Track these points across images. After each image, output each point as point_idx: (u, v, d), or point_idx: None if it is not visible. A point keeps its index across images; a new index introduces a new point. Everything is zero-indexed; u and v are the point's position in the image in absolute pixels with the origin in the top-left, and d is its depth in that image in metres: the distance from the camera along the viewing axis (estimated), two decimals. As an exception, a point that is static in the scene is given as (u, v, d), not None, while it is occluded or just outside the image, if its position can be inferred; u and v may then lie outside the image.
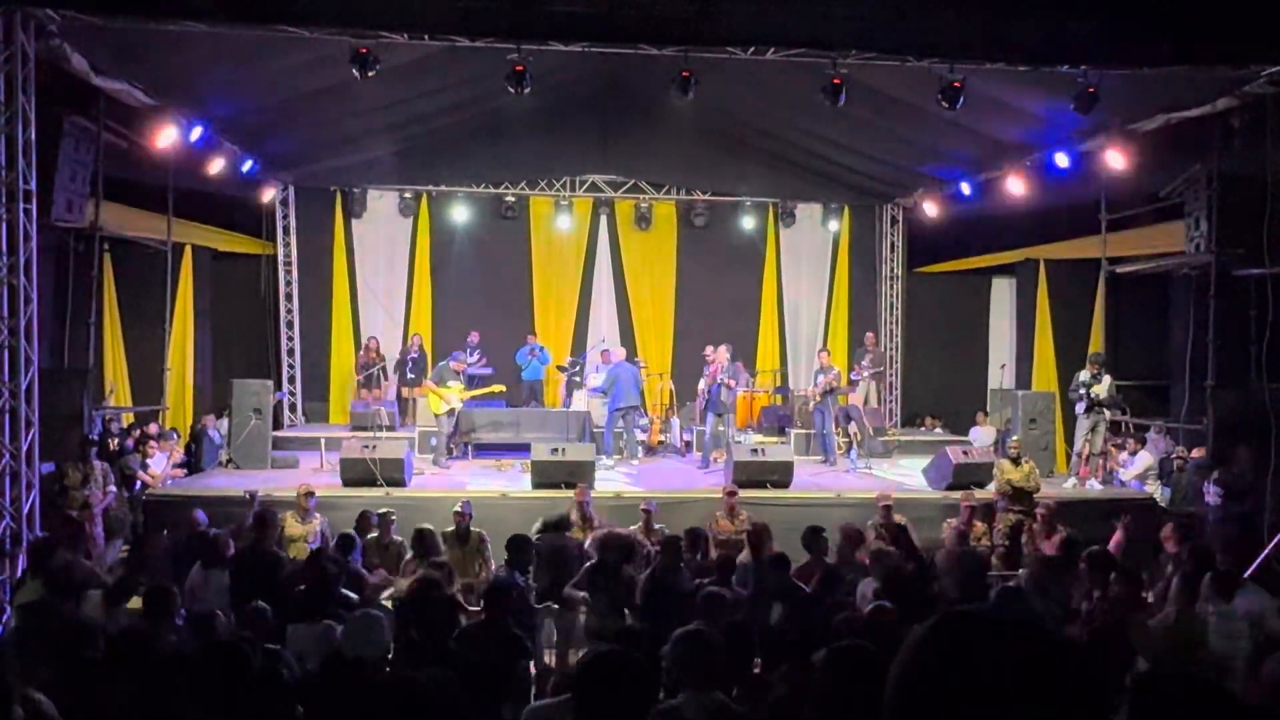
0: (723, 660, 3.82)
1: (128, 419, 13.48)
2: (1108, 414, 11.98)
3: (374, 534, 8.57)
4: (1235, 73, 8.93)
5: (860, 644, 3.13)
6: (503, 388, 13.84)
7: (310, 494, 9.25)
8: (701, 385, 13.51)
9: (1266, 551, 9.07)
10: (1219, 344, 11.16)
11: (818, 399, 12.99)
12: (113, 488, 10.12)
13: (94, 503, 9.70)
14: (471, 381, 13.54)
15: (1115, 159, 11.08)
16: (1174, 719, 1.35)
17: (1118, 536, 8.49)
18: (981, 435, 14.73)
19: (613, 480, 11.75)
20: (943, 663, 1.15)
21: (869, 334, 16.16)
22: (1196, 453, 11.37)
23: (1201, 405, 11.24)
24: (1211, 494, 10.23)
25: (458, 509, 8.77)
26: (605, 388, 13.47)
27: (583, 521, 9.08)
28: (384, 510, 8.86)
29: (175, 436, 13.08)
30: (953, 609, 1.22)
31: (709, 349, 13.50)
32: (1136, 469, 12.47)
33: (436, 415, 12.52)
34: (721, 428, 13.07)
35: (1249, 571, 8.67)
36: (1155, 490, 11.96)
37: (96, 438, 10.58)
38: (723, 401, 12.79)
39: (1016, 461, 10.42)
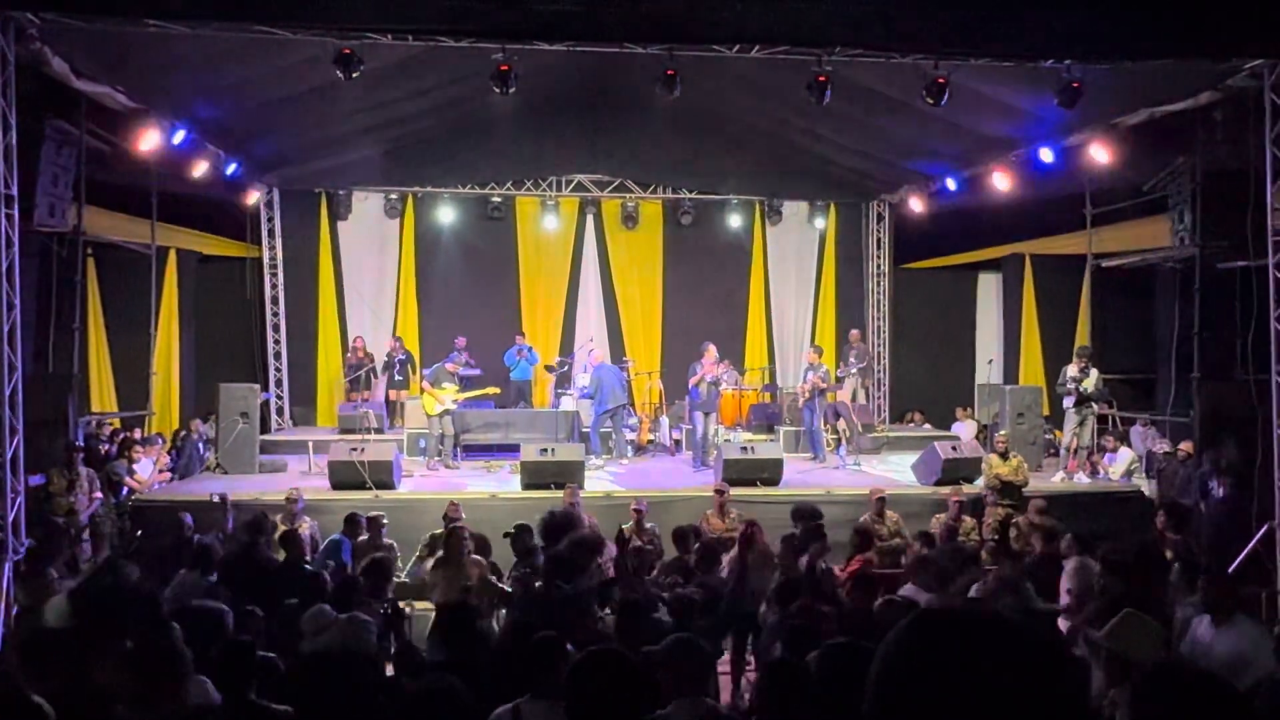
0: (713, 666, 3.80)
1: (114, 424, 13.40)
2: (1095, 407, 12.03)
3: (364, 537, 8.52)
4: (1217, 66, 8.98)
5: (854, 642, 3.12)
6: (497, 390, 13.80)
7: (296, 499, 9.20)
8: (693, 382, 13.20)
9: (1251, 545, 9.10)
10: (1204, 336, 11.23)
11: (806, 396, 12.98)
12: (99, 494, 10.05)
13: (80, 509, 9.63)
14: (464, 383, 13.51)
15: (1099, 153, 11.13)
16: (1177, 712, 1.34)
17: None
18: (963, 430, 14.76)
19: (602, 480, 11.74)
20: (921, 660, 1.14)
21: (854, 331, 16.19)
22: (1184, 446, 11.42)
23: (1188, 398, 11.30)
24: (1219, 486, 10.18)
25: (448, 512, 8.75)
26: (591, 391, 13.45)
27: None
28: (374, 514, 8.80)
29: (161, 441, 13.00)
30: (931, 607, 1.21)
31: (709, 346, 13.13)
32: (1120, 466, 12.52)
33: (430, 416, 12.48)
34: (713, 426, 13.04)
35: (1233, 566, 8.73)
36: (1142, 484, 12.02)
37: (82, 443, 10.51)
38: (704, 400, 12.70)
39: (1005, 456, 10.46)
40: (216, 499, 9.50)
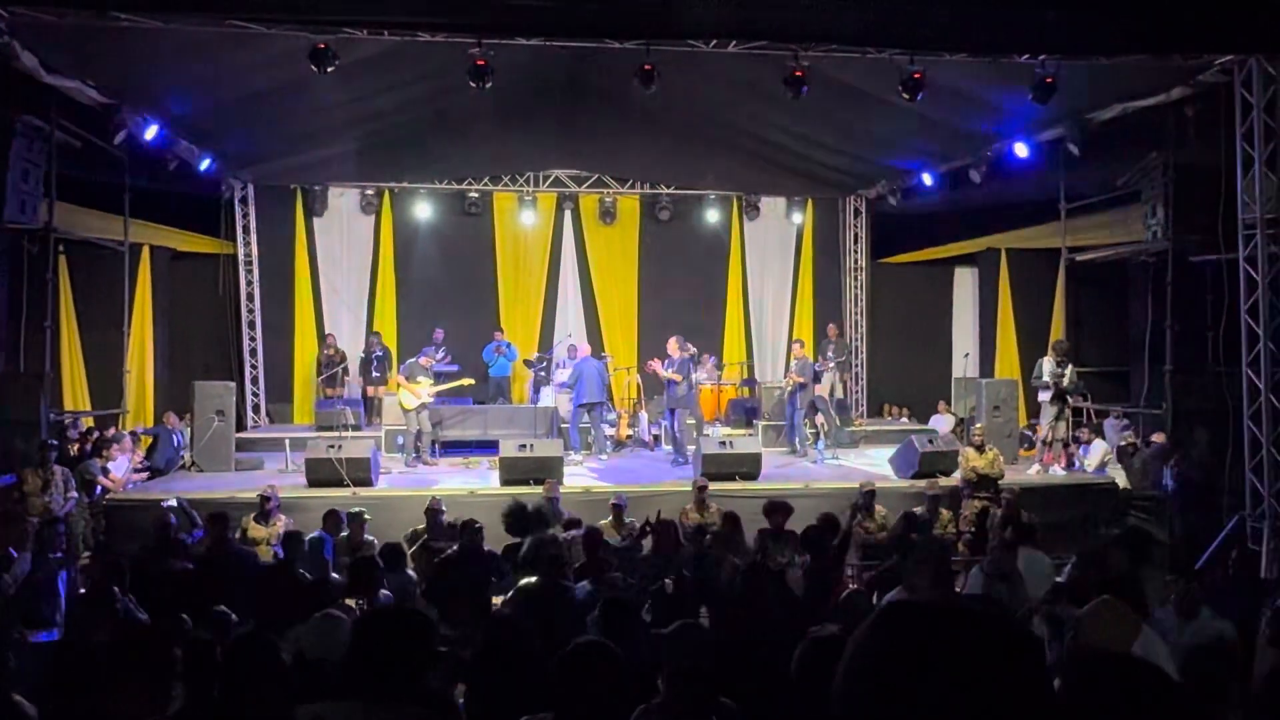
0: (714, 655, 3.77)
1: (87, 422, 13.25)
2: (1071, 400, 12.14)
3: (345, 533, 8.46)
4: (1189, 62, 9.09)
5: (836, 634, 3.13)
6: (471, 381, 13.75)
7: (270, 496, 9.11)
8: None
9: (1214, 545, 9.19)
10: (1177, 329, 11.35)
11: (790, 386, 13.08)
12: (74, 493, 9.92)
13: (55, 509, 9.51)
14: (438, 378, 13.46)
15: (1073, 148, 11.21)
16: (1108, 698, 1.35)
17: None
18: (942, 424, 14.86)
19: (581, 475, 11.73)
20: (889, 653, 1.14)
21: (831, 325, 16.26)
22: (1157, 437, 11.54)
23: (1160, 390, 11.42)
24: (1169, 478, 10.37)
25: (430, 508, 8.71)
26: (570, 383, 13.44)
27: (552, 517, 9.04)
28: (355, 510, 8.73)
29: (137, 439, 12.86)
30: (900, 599, 1.21)
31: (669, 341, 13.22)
32: (1094, 458, 12.63)
33: (407, 411, 12.42)
34: (691, 421, 13.05)
35: (1199, 563, 8.82)
36: (1116, 475, 12.13)
37: (55, 442, 10.38)
38: (672, 396, 12.74)
39: (981, 449, 10.54)
40: (174, 503, 9.36)
